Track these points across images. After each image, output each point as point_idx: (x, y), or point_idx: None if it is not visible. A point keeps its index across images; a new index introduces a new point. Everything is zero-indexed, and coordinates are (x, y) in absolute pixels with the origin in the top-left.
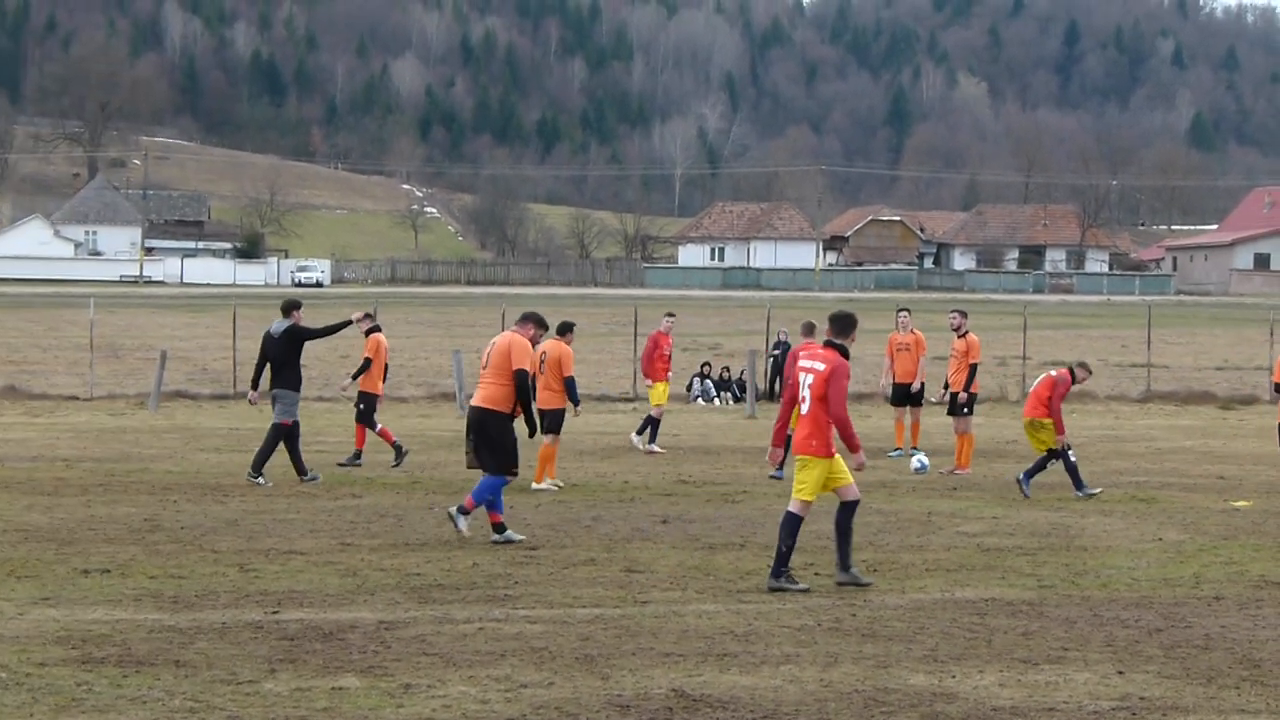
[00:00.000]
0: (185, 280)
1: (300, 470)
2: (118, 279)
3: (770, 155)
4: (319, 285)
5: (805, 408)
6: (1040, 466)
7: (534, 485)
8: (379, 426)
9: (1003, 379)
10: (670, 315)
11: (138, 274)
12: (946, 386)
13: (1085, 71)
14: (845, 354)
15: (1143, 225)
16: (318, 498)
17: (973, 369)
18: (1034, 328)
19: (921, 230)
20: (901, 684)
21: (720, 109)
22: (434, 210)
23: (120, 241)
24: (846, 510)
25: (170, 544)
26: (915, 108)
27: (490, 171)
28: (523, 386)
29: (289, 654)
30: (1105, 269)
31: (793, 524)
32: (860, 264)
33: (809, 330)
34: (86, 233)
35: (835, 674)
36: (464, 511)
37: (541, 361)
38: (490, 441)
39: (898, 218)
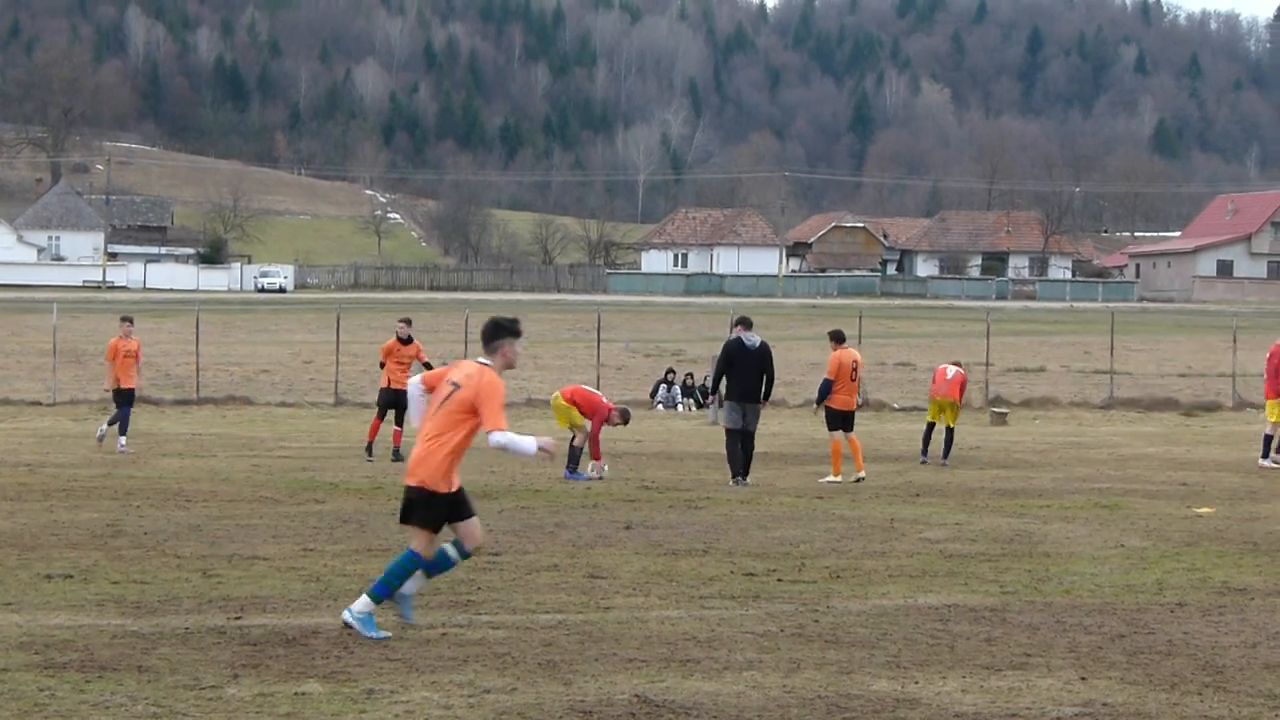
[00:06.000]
0: (148, 286)
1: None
2: (81, 284)
3: (733, 161)
4: (282, 291)
5: None
6: None
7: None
8: None
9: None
10: None
11: (101, 279)
12: None
13: (1048, 78)
14: None
15: (1106, 232)
16: (281, 503)
17: None
18: (997, 334)
19: (885, 237)
20: (864, 690)
21: (684, 115)
22: (397, 216)
23: (83, 247)
24: None
25: (133, 549)
26: (879, 114)
27: (453, 177)
28: None
29: (252, 659)
30: (1068, 275)
31: None
32: (823, 270)
33: None
34: (49, 238)
35: (798, 680)
36: None
37: (855, 369)
38: None
39: (861, 224)
